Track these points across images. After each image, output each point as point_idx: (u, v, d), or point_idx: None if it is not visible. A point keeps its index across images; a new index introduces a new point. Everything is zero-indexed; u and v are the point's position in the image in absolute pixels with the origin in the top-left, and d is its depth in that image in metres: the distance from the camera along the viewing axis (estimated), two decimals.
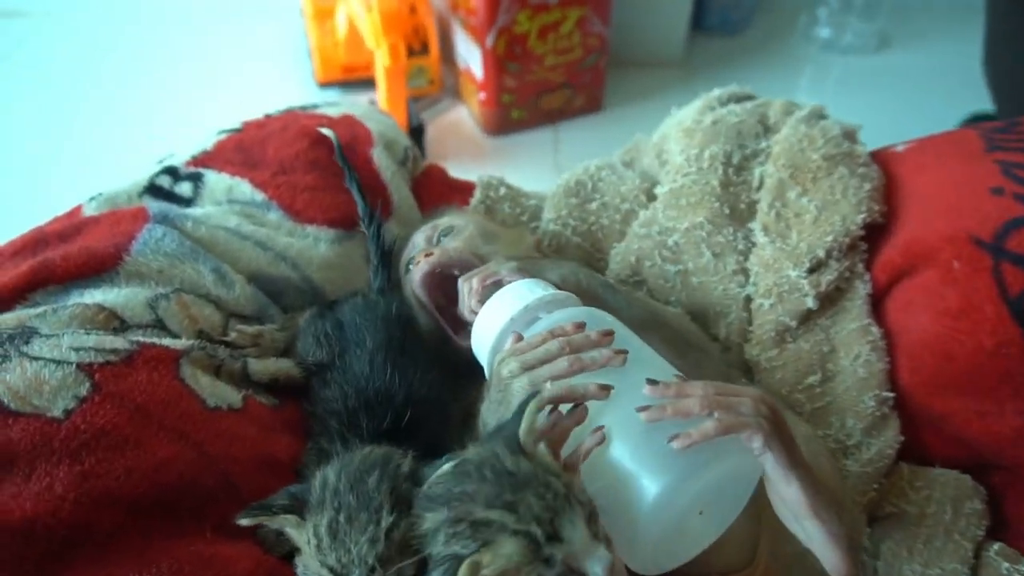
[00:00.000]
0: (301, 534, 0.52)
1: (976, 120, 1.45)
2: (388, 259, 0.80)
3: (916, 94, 1.69)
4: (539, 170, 1.53)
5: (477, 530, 0.47)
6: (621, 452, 0.50)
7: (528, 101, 1.58)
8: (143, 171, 0.86)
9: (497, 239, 0.83)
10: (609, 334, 0.57)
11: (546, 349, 0.55)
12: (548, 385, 0.53)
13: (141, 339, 0.62)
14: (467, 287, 0.69)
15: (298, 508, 0.53)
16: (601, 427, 0.49)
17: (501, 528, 0.46)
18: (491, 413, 0.58)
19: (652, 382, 0.51)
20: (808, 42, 1.90)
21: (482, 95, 1.55)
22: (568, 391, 0.52)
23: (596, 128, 1.65)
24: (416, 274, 0.76)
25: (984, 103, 1.34)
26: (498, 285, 0.68)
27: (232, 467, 0.61)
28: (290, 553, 0.56)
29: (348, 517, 0.50)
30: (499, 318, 0.63)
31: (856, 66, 1.83)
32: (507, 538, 0.46)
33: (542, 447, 0.51)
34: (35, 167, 1.53)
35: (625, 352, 0.55)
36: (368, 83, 1.68)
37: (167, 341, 0.64)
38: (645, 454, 0.49)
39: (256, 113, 1.01)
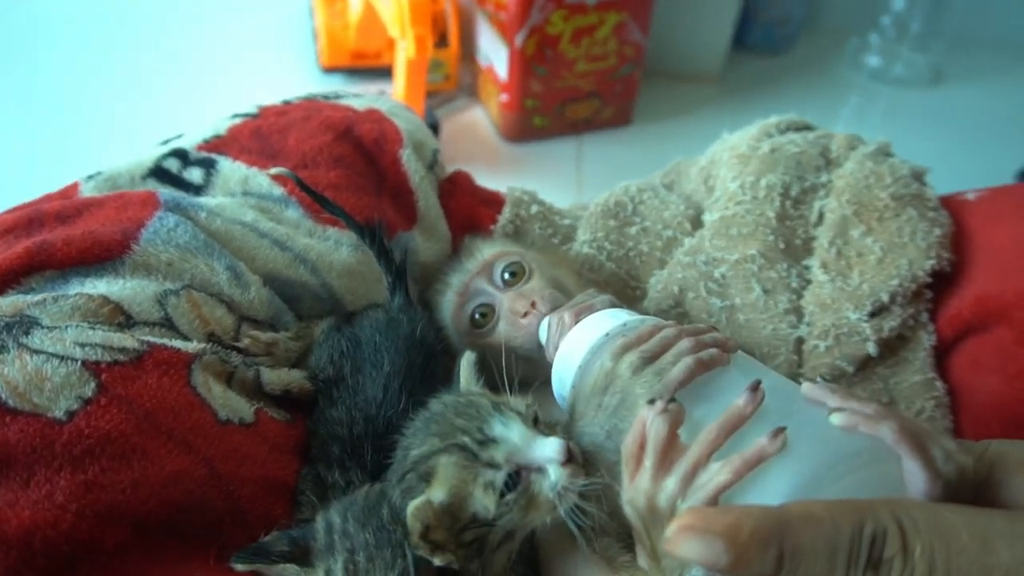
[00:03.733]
0: None
1: None
2: (403, 274, 0.80)
3: (969, 135, 1.73)
4: (559, 183, 1.55)
5: (418, 469, 0.52)
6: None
7: (553, 108, 1.60)
8: (143, 151, 0.86)
9: (560, 271, 0.86)
10: (712, 327, 0.60)
11: (663, 336, 0.57)
12: (672, 371, 0.54)
13: (151, 339, 0.62)
14: (557, 322, 0.70)
15: (299, 555, 0.53)
16: (782, 429, 0.44)
17: (433, 453, 0.51)
18: (599, 422, 0.57)
19: (812, 381, 0.51)
20: (856, 69, 1.94)
21: (504, 97, 1.57)
22: (696, 361, 0.53)
23: (623, 143, 1.67)
24: (532, 327, 0.76)
25: None
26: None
27: (241, 489, 0.61)
28: None
29: (368, 556, 0.51)
30: (591, 334, 0.64)
31: (906, 99, 1.87)
32: (439, 457, 0.51)
33: (473, 387, 0.59)
34: (23, 140, 1.53)
35: (733, 339, 0.58)
36: (377, 72, 1.70)
37: (178, 343, 0.64)
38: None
39: (253, 95, 1.02)
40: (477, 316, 0.82)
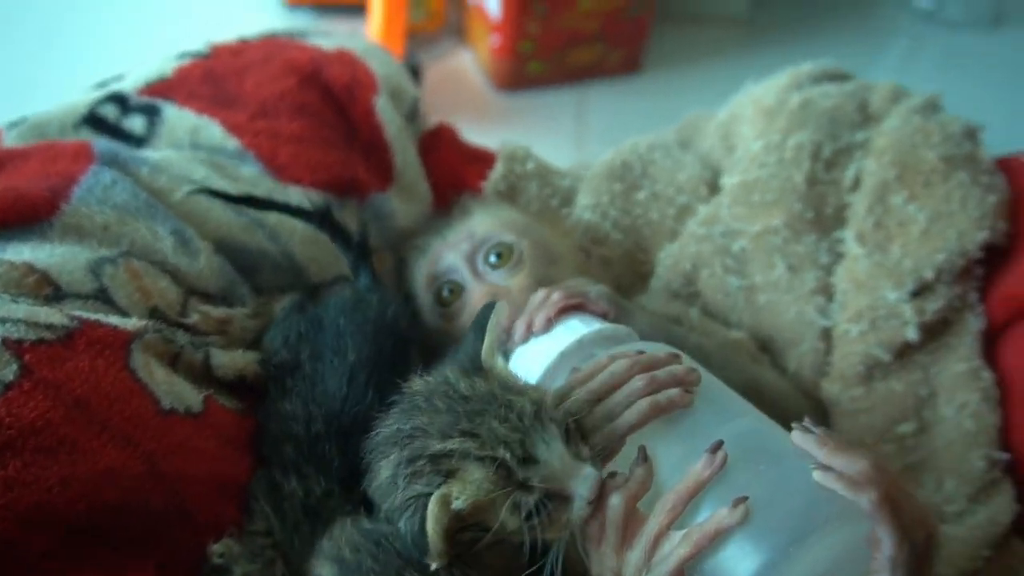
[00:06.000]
0: None
1: None
2: (364, 252, 0.79)
3: None
4: (557, 140, 1.53)
5: (438, 464, 0.51)
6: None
7: (552, 53, 1.58)
8: (76, 95, 0.85)
9: (561, 259, 0.83)
10: (676, 355, 0.58)
11: (611, 372, 0.56)
12: (625, 415, 0.54)
13: (83, 315, 0.62)
14: (543, 300, 0.69)
15: None
16: (743, 499, 0.47)
17: (464, 456, 0.50)
18: None
19: (803, 428, 0.51)
20: (904, 9, 1.91)
21: (495, 39, 1.55)
22: (652, 405, 0.54)
23: (632, 93, 1.65)
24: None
25: None
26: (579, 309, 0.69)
27: (186, 488, 0.60)
28: None
29: None
30: (549, 352, 0.64)
31: (961, 44, 1.84)
32: (473, 465, 0.50)
33: (500, 362, 0.56)
34: None
35: (699, 370, 0.56)
36: (348, 9, 1.67)
37: (114, 319, 0.63)
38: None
39: (209, 34, 1.00)
40: (444, 292, 0.81)
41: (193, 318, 0.71)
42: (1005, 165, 0.87)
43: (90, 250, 0.68)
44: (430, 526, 0.48)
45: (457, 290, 0.80)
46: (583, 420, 0.55)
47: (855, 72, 1.02)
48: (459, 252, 0.81)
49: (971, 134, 0.87)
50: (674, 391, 0.54)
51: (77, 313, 0.61)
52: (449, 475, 0.51)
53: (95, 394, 0.58)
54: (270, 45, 0.92)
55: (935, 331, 0.81)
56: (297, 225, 0.79)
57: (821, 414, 0.85)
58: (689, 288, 0.90)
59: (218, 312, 0.72)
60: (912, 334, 0.79)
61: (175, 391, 0.63)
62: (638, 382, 0.55)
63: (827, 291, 0.85)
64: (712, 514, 0.48)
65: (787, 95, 0.94)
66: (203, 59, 0.89)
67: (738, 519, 0.47)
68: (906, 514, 0.48)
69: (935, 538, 0.49)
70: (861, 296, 0.81)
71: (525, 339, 0.68)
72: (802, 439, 0.51)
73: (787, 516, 0.48)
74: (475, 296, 0.78)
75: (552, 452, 0.50)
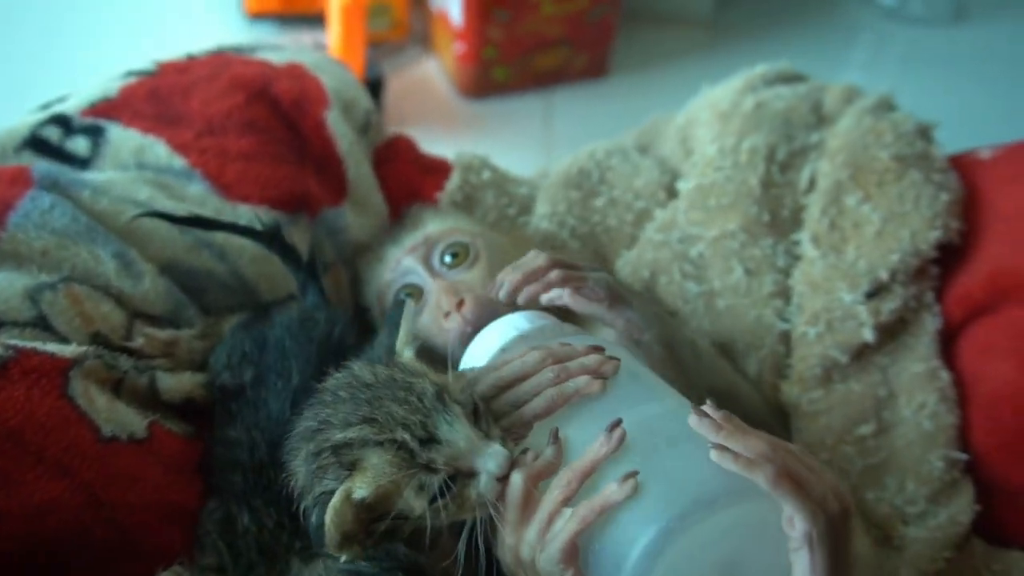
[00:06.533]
0: None
1: None
2: (314, 272, 0.78)
3: (996, 78, 1.71)
4: (525, 145, 1.53)
5: (340, 455, 0.51)
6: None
7: (517, 58, 1.58)
8: (18, 117, 0.83)
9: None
10: (598, 348, 0.58)
11: (523, 362, 0.57)
12: (532, 402, 0.55)
13: (18, 343, 0.60)
14: (541, 269, 0.68)
15: None
16: (634, 474, 0.48)
17: (363, 444, 0.51)
18: None
19: (700, 412, 0.51)
20: (866, 7, 1.92)
21: (459, 47, 1.54)
22: (559, 393, 0.54)
23: (599, 97, 1.66)
24: (452, 335, 0.72)
25: None
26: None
27: (129, 517, 0.60)
28: None
29: None
30: (489, 347, 0.63)
31: (925, 40, 1.85)
32: (372, 451, 0.51)
33: (407, 352, 0.58)
34: None
35: (616, 360, 0.56)
36: (311, 20, 1.66)
37: (52, 347, 0.62)
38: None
39: (164, 49, 0.98)
40: (403, 296, 0.80)
41: (138, 341, 0.70)
42: (958, 162, 0.87)
43: (29, 276, 0.67)
44: (328, 520, 0.49)
45: (416, 292, 0.79)
46: (491, 406, 0.55)
47: (821, 70, 1.02)
48: (415, 255, 0.80)
49: (923, 132, 0.87)
50: (583, 379, 0.55)
51: (12, 342, 0.60)
52: (353, 466, 0.51)
53: (29, 425, 0.57)
54: (217, 61, 0.91)
55: (892, 332, 0.81)
56: (246, 244, 0.78)
57: (783, 417, 0.85)
58: (649, 295, 0.89)
59: (164, 334, 0.71)
60: (868, 335, 0.79)
61: (117, 418, 0.62)
62: (548, 372, 0.56)
63: (785, 294, 0.85)
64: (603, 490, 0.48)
65: (741, 98, 0.94)
66: (149, 77, 0.88)
67: (626, 493, 0.47)
68: (814, 488, 0.48)
69: (850, 510, 0.49)
70: (817, 298, 0.81)
71: (510, 300, 0.68)
72: (698, 423, 0.50)
73: (679, 493, 0.48)
74: (434, 295, 0.77)
75: (456, 431, 0.51)
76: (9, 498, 0.53)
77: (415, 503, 0.50)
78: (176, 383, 0.69)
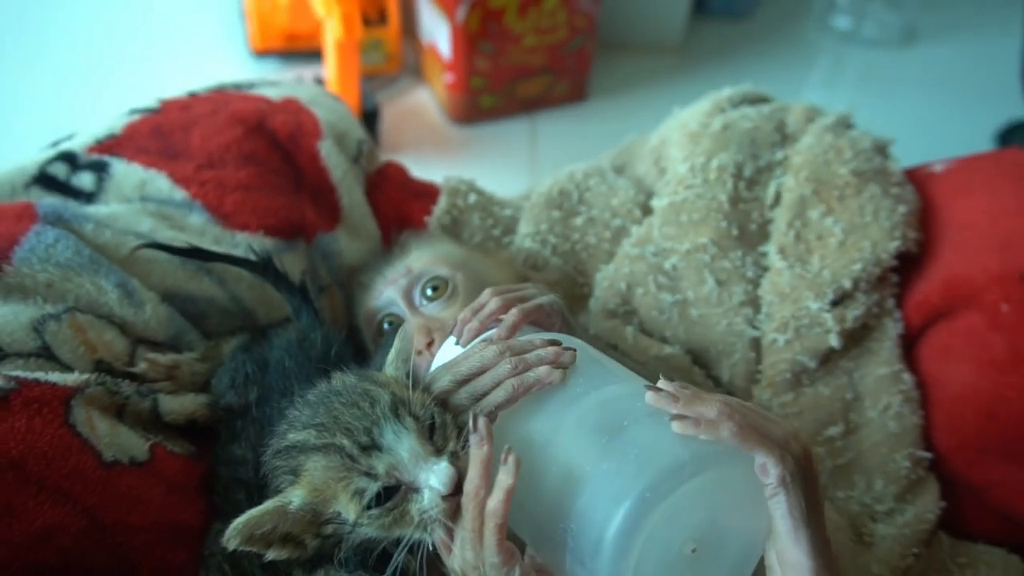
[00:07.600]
0: None
1: (1017, 129, 1.46)
2: (306, 296, 0.74)
3: (946, 96, 1.71)
4: (512, 166, 1.51)
5: (287, 458, 0.50)
6: (581, 474, 0.47)
7: (502, 87, 1.55)
8: (31, 155, 0.80)
9: None
10: (555, 342, 0.55)
11: (481, 356, 0.54)
12: (492, 393, 0.53)
13: (21, 375, 0.57)
14: (497, 311, 0.63)
15: None
16: (507, 450, 0.46)
17: (304, 448, 0.49)
18: None
19: (655, 388, 0.48)
20: (824, 31, 1.91)
21: (449, 77, 1.52)
22: (520, 383, 0.52)
23: (579, 121, 1.64)
24: (423, 370, 0.66)
25: None
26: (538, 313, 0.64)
27: (131, 540, 0.57)
28: None
29: None
30: (453, 353, 0.60)
31: (878, 61, 1.84)
32: (312, 455, 0.49)
33: (390, 370, 0.55)
34: None
35: (573, 350, 0.54)
36: (314, 55, 1.63)
37: (55, 376, 0.59)
38: (609, 466, 0.47)
39: (176, 86, 0.95)
40: (385, 325, 0.77)
41: (141, 366, 0.67)
42: (914, 176, 0.85)
43: (34, 308, 0.64)
44: (241, 520, 0.47)
45: (397, 322, 0.76)
46: (451, 400, 0.53)
47: (783, 91, 1.00)
48: (397, 287, 0.77)
49: (881, 148, 0.85)
50: (543, 369, 0.52)
51: (15, 373, 0.57)
52: (295, 471, 0.49)
53: (31, 454, 0.54)
54: (217, 98, 0.88)
55: (857, 337, 0.78)
56: (243, 271, 0.75)
57: None
58: (625, 307, 0.87)
59: (166, 359, 0.68)
60: (835, 341, 0.76)
61: (119, 442, 0.59)
62: (506, 365, 0.53)
63: (755, 303, 0.82)
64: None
65: (710, 119, 0.91)
66: (153, 114, 0.85)
67: (510, 470, 0.45)
68: (776, 434, 0.47)
69: (809, 450, 0.48)
70: (785, 307, 0.79)
71: (469, 340, 0.62)
72: (655, 399, 0.48)
73: (647, 466, 0.45)
74: (409, 329, 0.74)
75: (400, 442, 0.48)
76: (9, 526, 0.50)
77: (349, 508, 0.48)
78: (178, 405, 0.66)
